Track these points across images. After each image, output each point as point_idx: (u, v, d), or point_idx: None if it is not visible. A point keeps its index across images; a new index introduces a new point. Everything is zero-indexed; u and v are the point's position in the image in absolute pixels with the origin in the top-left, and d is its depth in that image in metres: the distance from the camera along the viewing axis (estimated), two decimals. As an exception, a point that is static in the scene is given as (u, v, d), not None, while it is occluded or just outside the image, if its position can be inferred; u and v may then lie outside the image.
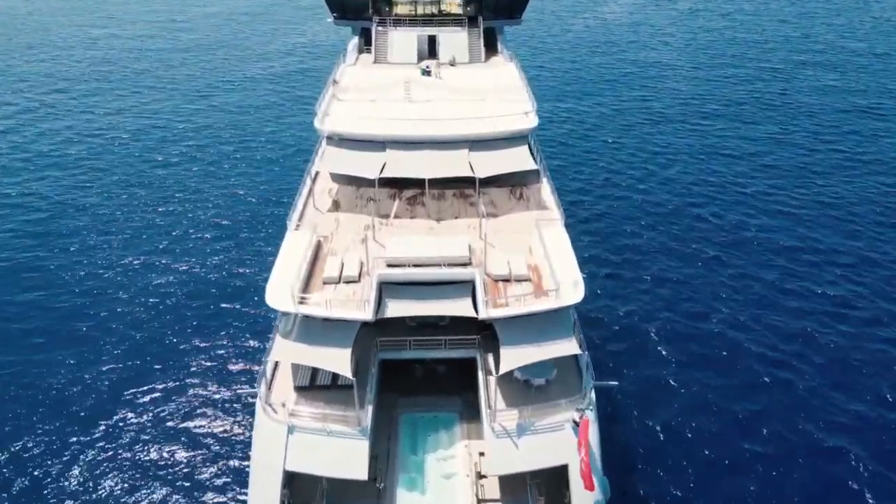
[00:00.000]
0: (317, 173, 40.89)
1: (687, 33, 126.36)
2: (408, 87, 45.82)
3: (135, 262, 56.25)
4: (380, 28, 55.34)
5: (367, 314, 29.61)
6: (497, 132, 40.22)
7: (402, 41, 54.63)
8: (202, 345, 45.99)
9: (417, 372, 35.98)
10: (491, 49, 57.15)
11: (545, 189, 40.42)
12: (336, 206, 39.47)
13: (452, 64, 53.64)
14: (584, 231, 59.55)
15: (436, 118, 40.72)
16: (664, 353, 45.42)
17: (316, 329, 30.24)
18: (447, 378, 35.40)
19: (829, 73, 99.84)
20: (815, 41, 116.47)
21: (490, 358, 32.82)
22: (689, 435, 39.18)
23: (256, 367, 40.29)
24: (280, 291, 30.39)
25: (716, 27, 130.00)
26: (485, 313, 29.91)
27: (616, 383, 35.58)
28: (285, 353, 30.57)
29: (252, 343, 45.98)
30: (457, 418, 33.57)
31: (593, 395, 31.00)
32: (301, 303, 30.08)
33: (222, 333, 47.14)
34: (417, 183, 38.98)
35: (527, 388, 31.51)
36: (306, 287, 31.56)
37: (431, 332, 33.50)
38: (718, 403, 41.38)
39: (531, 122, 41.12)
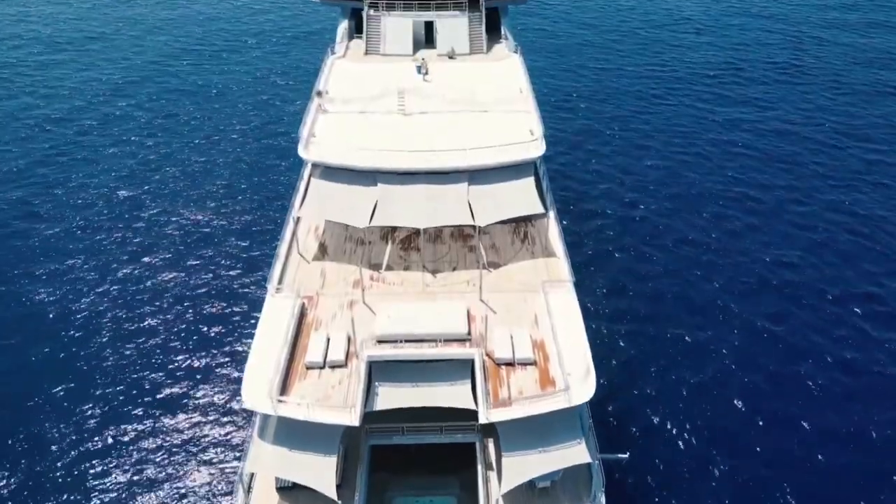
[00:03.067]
0: (298, 219, 37.02)
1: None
2: (401, 97, 41.37)
3: (112, 289, 48.58)
4: (372, 12, 50.16)
5: (353, 419, 26.72)
6: (500, 162, 36.27)
7: (397, 29, 49.64)
8: (183, 399, 40.28)
9: (412, 449, 33.29)
10: (493, 33, 52.13)
11: (552, 227, 36.79)
12: (323, 250, 35.93)
13: (451, 56, 48.93)
14: (585, 242, 53.00)
15: (432, 147, 36.53)
16: (679, 423, 39.29)
17: (297, 430, 27.38)
18: (444, 454, 32.71)
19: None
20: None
21: (490, 445, 30.23)
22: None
23: (237, 426, 37.65)
24: (257, 388, 27.37)
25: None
26: (485, 416, 27.01)
27: (625, 456, 32.96)
28: (263, 462, 27.76)
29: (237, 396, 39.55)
30: (454, 503, 31.13)
31: (603, 499, 28.44)
32: (280, 401, 27.13)
33: (206, 383, 41.30)
34: None
35: (530, 490, 28.91)
36: (287, 373, 28.58)
37: (426, 412, 30.57)
38: (741, 482, 36.25)
39: (537, 150, 37.07)
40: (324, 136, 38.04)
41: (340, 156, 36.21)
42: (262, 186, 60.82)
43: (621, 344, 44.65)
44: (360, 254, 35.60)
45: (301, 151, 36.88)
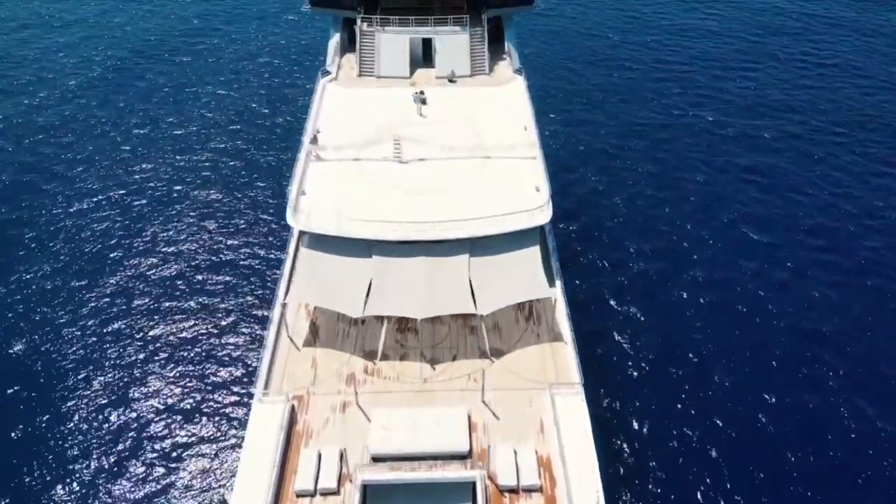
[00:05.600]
0: (285, 304, 34.50)
1: None
2: (398, 144, 38.29)
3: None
4: (365, 27, 46.22)
5: None
6: (504, 230, 33.71)
7: (392, 48, 45.88)
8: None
9: None
10: (495, 45, 48.36)
11: (559, 303, 34.40)
12: (314, 333, 33.63)
13: (451, 79, 45.41)
14: (593, 317, 43.45)
15: (431, 212, 33.87)
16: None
17: None
18: None
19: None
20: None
21: None
22: None
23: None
24: None
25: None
26: None
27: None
28: None
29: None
30: None
31: None
32: None
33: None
34: None
35: None
36: (277, 501, 26.91)
37: None
38: None
39: (544, 216, 34.44)
40: (314, 196, 35.24)
41: (332, 225, 33.56)
42: (255, 225, 51.71)
43: (640, 457, 36.11)
44: (354, 336, 33.41)
45: (289, 219, 34.16)
